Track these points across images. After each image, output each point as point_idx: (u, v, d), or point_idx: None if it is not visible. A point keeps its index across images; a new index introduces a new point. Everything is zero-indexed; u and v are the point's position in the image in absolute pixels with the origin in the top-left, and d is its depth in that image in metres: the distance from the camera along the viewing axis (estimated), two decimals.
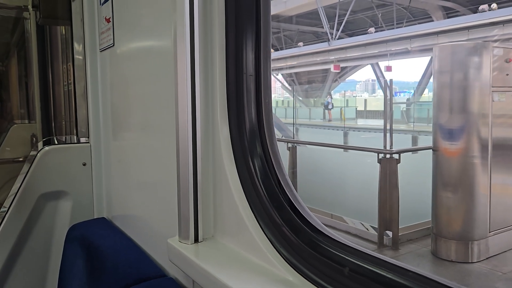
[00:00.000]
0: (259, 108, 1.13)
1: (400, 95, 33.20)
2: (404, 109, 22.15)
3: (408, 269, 0.74)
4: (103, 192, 2.08)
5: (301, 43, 23.27)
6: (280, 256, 0.99)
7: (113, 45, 1.77)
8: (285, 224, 1.01)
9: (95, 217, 2.08)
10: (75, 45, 2.04)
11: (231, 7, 1.13)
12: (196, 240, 1.18)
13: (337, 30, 19.05)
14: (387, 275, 0.76)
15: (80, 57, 2.03)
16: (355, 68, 30.68)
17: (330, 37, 19.40)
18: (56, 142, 2.14)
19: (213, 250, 1.15)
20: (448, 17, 18.92)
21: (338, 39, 19.84)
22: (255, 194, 1.09)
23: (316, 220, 1.00)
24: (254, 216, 1.07)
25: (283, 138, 10.52)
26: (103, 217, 2.06)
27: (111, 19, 1.77)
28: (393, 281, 0.75)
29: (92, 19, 1.98)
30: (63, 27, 2.45)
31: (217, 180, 1.19)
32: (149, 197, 1.58)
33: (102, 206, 2.08)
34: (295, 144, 7.51)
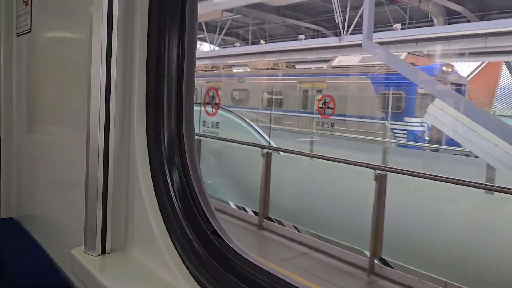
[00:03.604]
0: (180, 114, 1.07)
1: None
2: None
3: None
4: (13, 190, 1.89)
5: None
6: (188, 273, 0.93)
7: (30, 30, 1.62)
8: (197, 239, 0.95)
9: (2, 217, 1.89)
10: None
11: (155, 5, 1.06)
12: (103, 251, 1.09)
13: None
14: None
15: None
16: None
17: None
18: None
19: (120, 264, 1.06)
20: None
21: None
22: (169, 205, 1.02)
23: (231, 237, 0.95)
24: (166, 229, 1.01)
25: None
26: (11, 217, 1.87)
27: (29, 2, 1.61)
28: None
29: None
30: None
31: (131, 186, 1.11)
32: (58, 198, 1.45)
33: (11, 205, 1.90)
34: None
